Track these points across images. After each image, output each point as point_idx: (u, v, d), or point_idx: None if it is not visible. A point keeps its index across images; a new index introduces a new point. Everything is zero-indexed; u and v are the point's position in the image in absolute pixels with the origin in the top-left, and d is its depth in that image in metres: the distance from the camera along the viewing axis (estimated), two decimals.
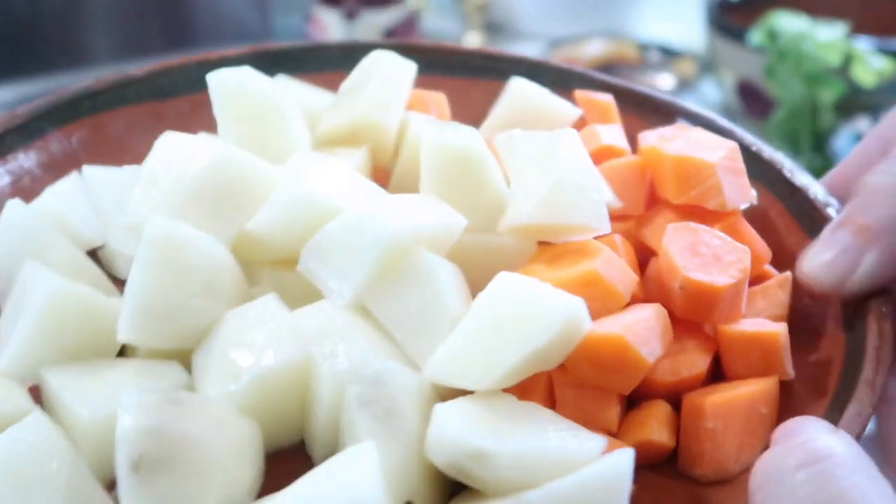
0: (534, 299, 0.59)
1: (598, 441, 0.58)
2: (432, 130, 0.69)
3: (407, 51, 0.88)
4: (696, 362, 0.65)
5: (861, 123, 1.54)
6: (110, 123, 0.85)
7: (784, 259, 0.74)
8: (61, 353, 0.62)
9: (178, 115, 0.87)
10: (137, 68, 0.87)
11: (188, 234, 0.62)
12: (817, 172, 1.47)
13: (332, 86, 0.87)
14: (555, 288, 0.60)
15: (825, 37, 1.51)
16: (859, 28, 1.64)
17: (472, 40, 1.97)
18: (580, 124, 0.85)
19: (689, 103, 0.88)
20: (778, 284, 0.70)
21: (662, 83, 1.74)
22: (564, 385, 0.63)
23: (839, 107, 1.55)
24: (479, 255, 0.69)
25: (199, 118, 0.85)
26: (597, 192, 0.67)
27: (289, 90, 0.84)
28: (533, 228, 0.67)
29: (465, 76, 0.93)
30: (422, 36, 1.97)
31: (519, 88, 0.85)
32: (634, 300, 0.67)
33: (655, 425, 0.64)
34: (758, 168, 0.80)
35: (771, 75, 1.55)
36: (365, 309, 0.64)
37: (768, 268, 0.73)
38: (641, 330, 0.62)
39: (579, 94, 0.86)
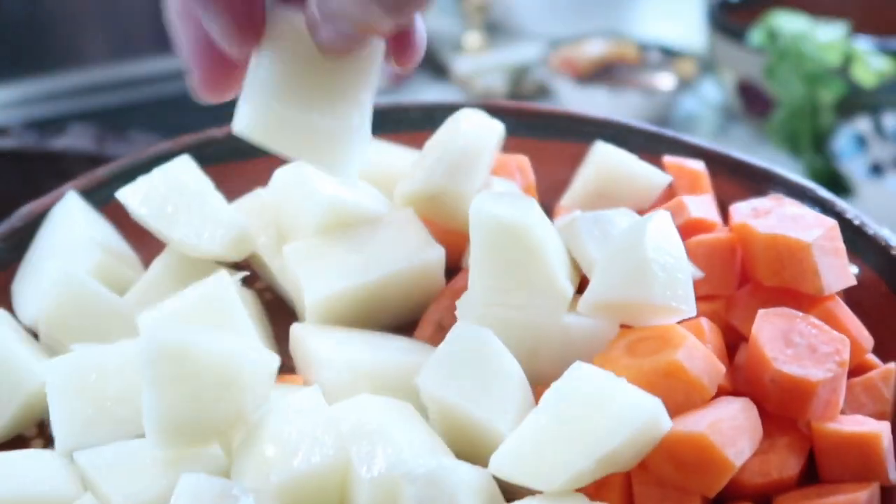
0: (609, 397, 0.55)
1: None
2: (484, 201, 0.65)
3: (491, 111, 0.85)
4: (787, 463, 0.60)
5: (861, 123, 1.50)
6: None
7: (888, 346, 0.68)
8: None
9: (256, 174, 0.85)
10: (217, 129, 0.86)
11: (188, 339, 0.59)
12: (817, 173, 1.48)
13: (414, 143, 0.85)
14: (632, 386, 0.56)
15: (825, 37, 1.49)
16: (859, 28, 1.62)
17: (472, 40, 1.96)
18: (669, 193, 0.81)
19: (784, 171, 0.83)
20: (881, 377, 0.65)
21: (662, 83, 1.70)
22: (644, 483, 0.59)
23: (839, 107, 1.52)
24: (556, 337, 0.65)
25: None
26: (685, 273, 0.63)
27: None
28: (615, 307, 0.63)
29: (549, 138, 0.90)
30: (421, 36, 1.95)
31: (604, 154, 0.81)
32: (722, 391, 0.62)
33: None
34: (859, 243, 0.75)
35: (771, 75, 1.53)
36: (405, 404, 0.62)
37: (870, 357, 0.68)
38: (727, 429, 0.57)
39: (668, 160, 0.82)
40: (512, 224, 0.65)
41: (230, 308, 0.67)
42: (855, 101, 1.52)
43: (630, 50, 1.77)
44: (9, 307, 0.74)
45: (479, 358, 0.61)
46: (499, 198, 0.67)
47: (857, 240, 0.74)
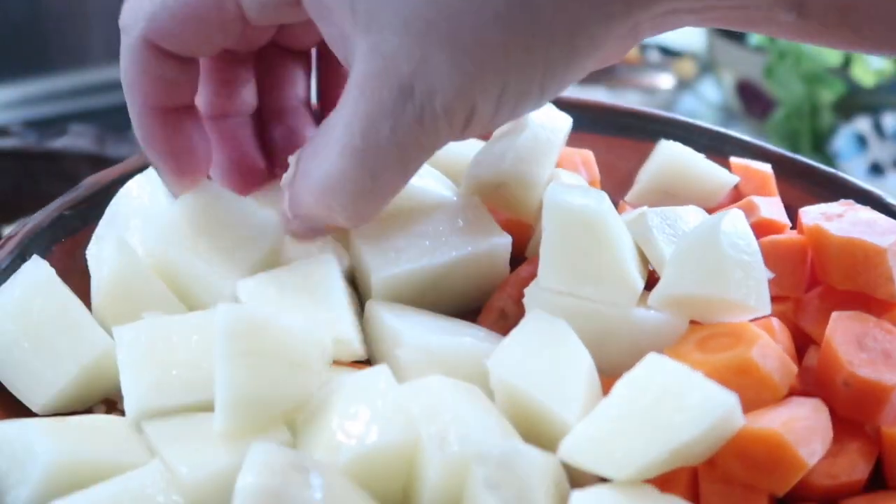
0: (685, 389, 0.55)
1: None
2: (557, 190, 0.65)
3: (556, 104, 0.85)
4: (856, 466, 0.60)
5: (861, 123, 1.51)
6: None
7: None
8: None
9: None
10: None
11: (264, 316, 0.59)
12: None
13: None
14: (708, 378, 0.55)
15: None
16: None
17: None
18: (734, 195, 0.81)
19: (853, 178, 0.83)
20: None
21: (662, 83, 1.70)
22: (711, 480, 0.59)
23: (839, 107, 1.53)
24: (625, 329, 0.65)
25: None
26: (759, 270, 0.63)
27: None
28: (687, 301, 0.63)
29: (613, 134, 0.90)
30: None
31: (671, 152, 0.81)
32: (791, 392, 0.62)
33: None
34: None
35: (770, 75, 1.54)
36: (474, 387, 0.61)
37: None
38: (801, 428, 0.57)
39: (735, 161, 0.82)
40: (585, 214, 0.65)
41: (330, 289, 0.67)
42: (855, 101, 1.53)
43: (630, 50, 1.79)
44: (83, 273, 0.74)
45: (551, 346, 0.61)
46: (571, 188, 0.67)
47: None
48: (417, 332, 0.65)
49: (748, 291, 0.61)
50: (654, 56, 1.76)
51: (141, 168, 0.79)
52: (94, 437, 0.59)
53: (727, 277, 0.61)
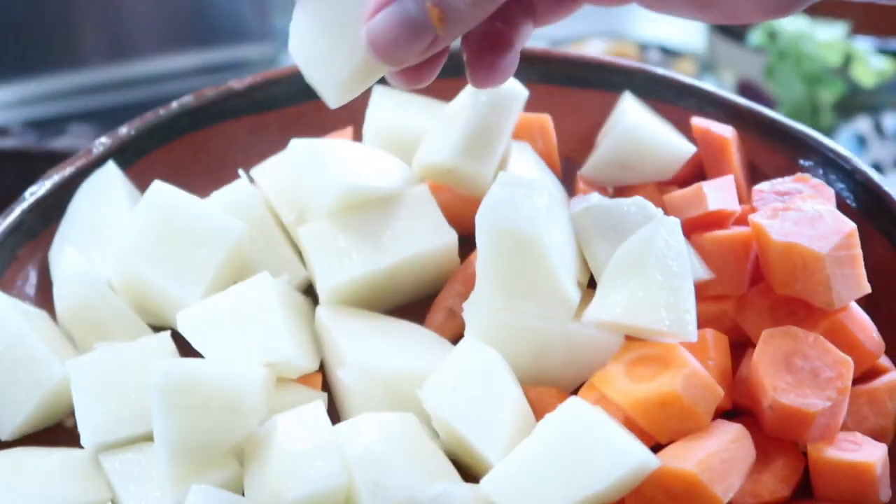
0: (600, 439, 0.57)
1: None
2: (491, 207, 0.66)
3: (521, 56, 0.83)
4: (778, 486, 0.62)
5: (861, 123, 1.49)
6: (211, 140, 0.84)
7: None
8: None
9: (279, 128, 0.85)
10: (237, 80, 0.85)
11: (197, 370, 0.61)
12: None
13: (439, 92, 0.83)
14: (622, 431, 0.57)
15: (825, 37, 1.48)
16: (859, 28, 1.61)
17: None
18: (695, 158, 0.79)
19: (819, 136, 0.80)
20: (888, 391, 0.65)
21: None
22: None
23: (839, 107, 1.53)
24: (562, 344, 0.66)
25: (300, 130, 0.83)
26: (690, 295, 0.63)
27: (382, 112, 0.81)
28: (617, 327, 0.64)
29: (577, 87, 0.87)
30: None
31: (631, 122, 0.78)
32: (721, 407, 0.63)
33: None
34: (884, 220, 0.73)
35: (771, 75, 1.53)
36: (410, 418, 0.64)
37: (883, 362, 0.67)
38: (718, 464, 0.58)
39: (696, 123, 0.80)
40: (518, 232, 0.65)
41: (266, 310, 0.68)
42: (855, 101, 1.52)
43: (630, 50, 1.74)
44: (46, 275, 0.76)
45: (481, 378, 0.63)
46: (508, 197, 0.67)
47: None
48: (359, 350, 0.67)
49: (675, 320, 0.62)
50: (655, 56, 1.73)
51: (97, 161, 0.80)
52: (53, 481, 0.63)
53: (653, 307, 0.62)
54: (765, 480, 0.62)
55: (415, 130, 0.81)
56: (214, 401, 0.61)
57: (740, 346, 0.68)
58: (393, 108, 0.83)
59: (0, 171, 1.12)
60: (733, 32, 1.62)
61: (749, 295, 0.69)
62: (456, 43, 0.64)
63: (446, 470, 0.62)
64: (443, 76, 0.85)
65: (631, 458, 0.56)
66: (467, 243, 0.75)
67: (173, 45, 1.91)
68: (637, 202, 0.71)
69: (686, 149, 0.78)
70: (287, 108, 0.86)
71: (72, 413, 0.70)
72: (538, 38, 1.85)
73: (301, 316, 0.72)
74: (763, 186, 0.73)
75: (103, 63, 1.84)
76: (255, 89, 0.86)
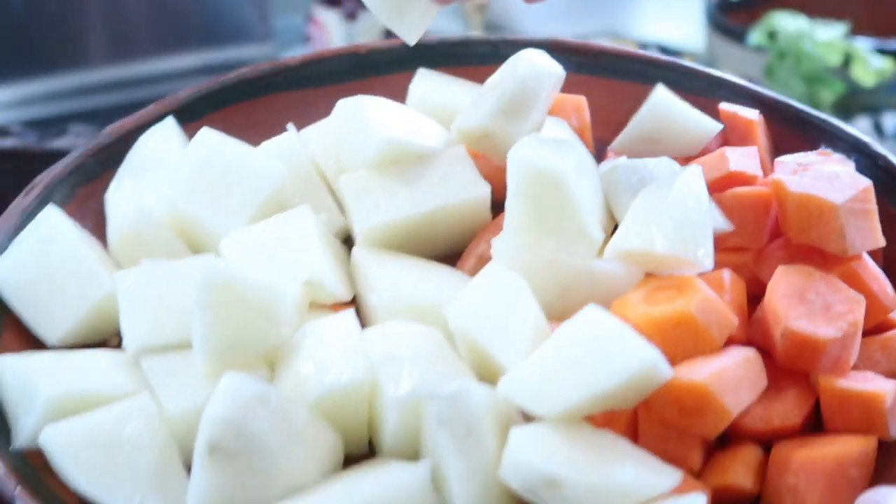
0: (612, 341, 0.59)
1: (673, 475, 0.58)
2: (523, 146, 0.69)
3: (555, 49, 0.87)
4: (789, 413, 0.64)
5: (861, 123, 1.51)
6: (263, 109, 0.89)
7: None
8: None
9: (327, 104, 0.90)
10: (292, 57, 0.91)
11: (238, 271, 0.65)
12: None
13: (478, 78, 0.88)
14: (634, 333, 0.59)
15: (825, 37, 1.50)
16: (859, 28, 1.62)
17: None
18: (721, 140, 0.83)
19: (843, 124, 0.84)
20: None
21: None
22: (648, 421, 0.63)
23: (839, 107, 1.53)
24: (583, 279, 0.69)
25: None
26: (706, 228, 0.66)
27: (425, 87, 0.86)
28: (636, 256, 0.67)
29: (612, 78, 0.92)
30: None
31: (660, 101, 0.83)
32: (735, 341, 0.66)
33: (741, 469, 0.62)
34: None
35: (771, 75, 1.54)
36: (434, 330, 0.66)
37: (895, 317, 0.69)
38: (729, 378, 0.60)
39: (723, 107, 0.84)
40: (547, 171, 0.68)
41: (306, 239, 0.72)
42: (855, 101, 1.53)
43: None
44: (101, 216, 0.81)
45: (503, 297, 0.66)
46: (539, 143, 0.71)
47: None
48: (390, 278, 0.71)
49: (693, 248, 0.65)
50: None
51: (158, 118, 0.85)
52: (93, 371, 0.67)
53: (673, 235, 0.65)
54: (776, 408, 0.64)
55: (454, 105, 0.85)
56: (252, 303, 0.65)
57: (757, 300, 0.70)
58: (434, 86, 0.88)
59: (0, 172, 1.16)
60: (733, 32, 1.65)
61: (767, 248, 0.71)
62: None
63: (466, 374, 0.64)
64: (481, 63, 0.92)
65: (645, 358, 0.58)
66: (499, 210, 0.79)
67: (173, 45, 1.91)
68: (663, 161, 0.75)
69: (713, 126, 0.82)
70: (336, 86, 0.91)
71: (115, 333, 0.74)
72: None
73: (337, 253, 0.76)
74: (785, 158, 0.76)
75: (103, 63, 1.86)
76: (307, 65, 0.91)
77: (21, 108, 1.81)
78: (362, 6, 1.82)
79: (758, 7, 1.73)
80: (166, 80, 1.88)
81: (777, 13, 1.57)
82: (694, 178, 0.68)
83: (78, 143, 1.21)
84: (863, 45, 1.51)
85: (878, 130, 1.49)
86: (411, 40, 0.74)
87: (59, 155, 1.14)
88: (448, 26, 2.06)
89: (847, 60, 1.50)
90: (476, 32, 1.99)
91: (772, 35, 1.55)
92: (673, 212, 0.65)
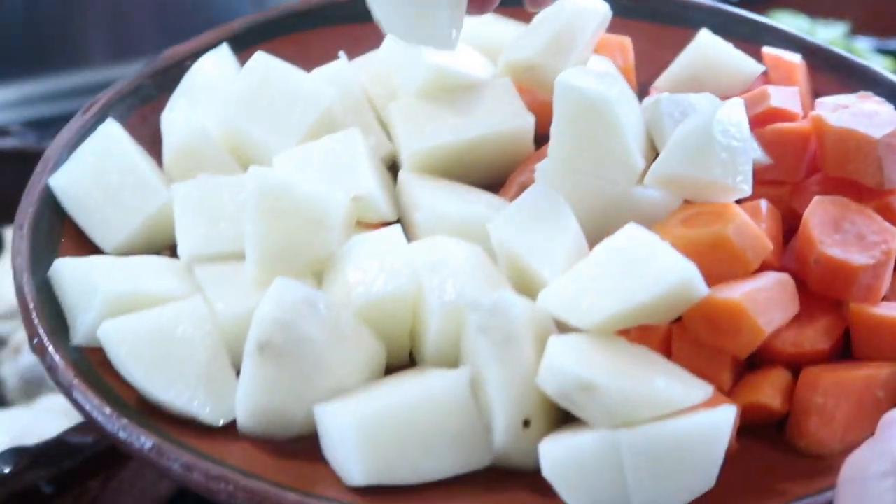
0: (650, 256, 0.61)
1: (704, 388, 0.60)
2: (569, 74, 0.71)
3: None
4: (819, 338, 0.65)
5: None
6: (313, 41, 0.91)
7: None
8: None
9: (377, 39, 0.92)
10: None
11: (290, 180, 0.68)
12: None
13: (524, 18, 0.90)
14: (673, 250, 0.61)
15: (825, 37, 1.50)
16: (859, 28, 1.62)
17: None
18: (764, 83, 0.84)
19: (885, 70, 0.85)
20: None
21: None
22: (682, 339, 0.65)
23: None
24: (623, 205, 0.71)
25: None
26: (745, 156, 0.67)
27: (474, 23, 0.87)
28: (677, 181, 0.69)
29: (656, 22, 0.93)
30: None
31: (704, 42, 0.84)
32: (769, 267, 0.67)
33: (769, 389, 0.64)
34: None
35: None
36: (478, 247, 0.69)
37: None
38: (762, 298, 0.62)
39: (767, 51, 0.85)
40: (592, 98, 0.70)
41: (355, 158, 0.74)
42: None
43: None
44: (156, 136, 0.83)
45: (545, 215, 0.68)
46: (585, 73, 0.72)
47: None
48: (435, 198, 0.73)
49: (732, 174, 0.66)
50: None
51: (213, 45, 0.88)
52: (148, 273, 0.70)
53: (713, 160, 0.66)
54: (806, 333, 0.66)
55: (500, 41, 0.87)
56: (303, 212, 0.67)
57: (792, 233, 0.72)
58: (481, 22, 0.89)
59: (0, 172, 1.17)
60: None
61: (806, 182, 0.73)
62: None
63: (506, 287, 0.67)
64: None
65: (682, 274, 0.60)
66: (541, 142, 0.81)
67: (173, 44, 1.94)
68: (706, 96, 0.76)
69: (756, 67, 0.83)
70: None
71: (167, 245, 0.77)
72: None
73: (384, 175, 0.78)
74: (825, 99, 0.77)
75: (104, 63, 1.85)
76: (356, 1, 0.93)
77: (21, 108, 1.79)
78: None
79: (758, 7, 1.71)
80: None
81: (777, 13, 1.58)
82: (735, 109, 0.69)
83: None
84: (863, 45, 1.53)
85: None
86: (446, 47, 0.73)
87: None
88: None
89: None
90: None
91: None
92: (713, 139, 0.67)
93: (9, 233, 1.22)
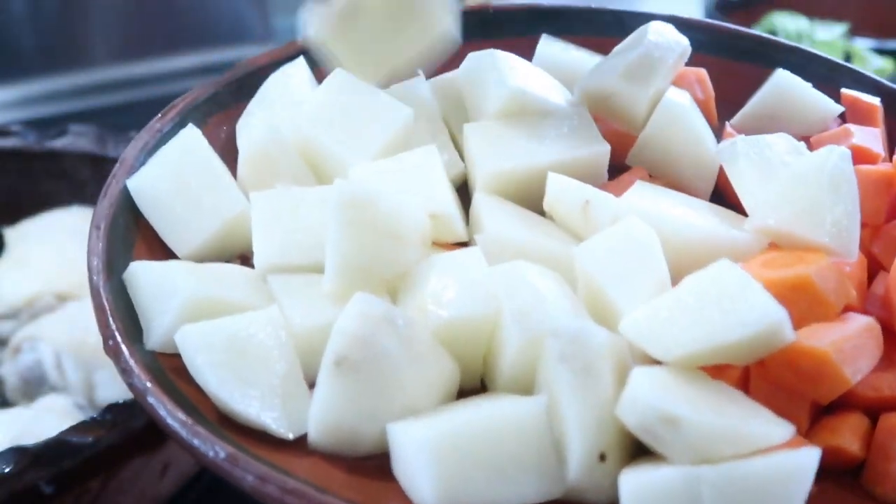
0: (740, 295, 0.60)
1: (786, 428, 0.59)
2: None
3: (682, 25, 0.89)
4: None
5: None
6: None
7: None
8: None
9: (450, 59, 0.92)
10: None
11: (373, 193, 0.67)
12: None
13: (601, 49, 0.90)
14: (765, 291, 0.60)
15: (825, 37, 1.50)
16: (859, 28, 1.62)
17: None
18: (839, 124, 0.84)
19: None
20: None
21: None
22: (761, 378, 0.64)
23: None
24: (711, 244, 0.70)
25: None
26: (854, 218, 0.67)
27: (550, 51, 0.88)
28: (778, 234, 0.68)
29: (733, 58, 0.93)
30: None
31: (782, 80, 0.84)
32: (853, 310, 0.66)
33: (848, 434, 0.64)
34: None
35: None
36: (556, 274, 0.68)
37: None
38: (849, 347, 0.62)
39: (845, 92, 0.85)
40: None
41: (433, 176, 0.75)
42: None
43: None
44: (231, 143, 0.84)
45: (633, 247, 0.67)
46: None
47: None
48: (499, 222, 0.73)
49: (839, 237, 0.66)
50: None
51: (290, 57, 0.88)
52: (225, 281, 0.70)
53: (823, 224, 0.66)
54: (886, 377, 0.65)
55: (577, 69, 0.87)
56: (384, 226, 0.67)
57: (870, 276, 0.71)
58: (559, 50, 0.90)
59: (0, 172, 1.16)
60: None
61: (886, 227, 0.72)
62: None
63: (586, 316, 0.66)
64: (604, 34, 0.93)
65: (772, 317, 0.59)
66: (616, 172, 0.80)
67: (173, 45, 1.92)
68: (782, 136, 0.76)
69: (834, 107, 0.83)
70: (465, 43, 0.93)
71: (240, 254, 0.77)
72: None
73: (456, 196, 0.78)
74: None
75: (104, 63, 1.86)
76: None
77: (21, 108, 1.82)
78: None
79: (758, 7, 1.73)
80: (166, 80, 1.90)
81: (777, 13, 1.58)
82: (845, 160, 0.68)
83: (78, 143, 1.23)
84: (863, 45, 1.51)
85: None
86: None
87: (59, 155, 1.15)
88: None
89: (847, 60, 1.50)
90: None
91: (772, 35, 1.55)
92: (824, 195, 0.66)
93: (9, 232, 1.22)
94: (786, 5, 1.69)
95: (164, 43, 1.94)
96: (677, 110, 0.80)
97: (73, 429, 0.83)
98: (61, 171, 1.22)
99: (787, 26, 1.55)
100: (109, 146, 1.24)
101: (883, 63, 1.50)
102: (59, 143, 1.24)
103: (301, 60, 0.87)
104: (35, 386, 1.07)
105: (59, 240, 1.18)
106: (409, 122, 0.79)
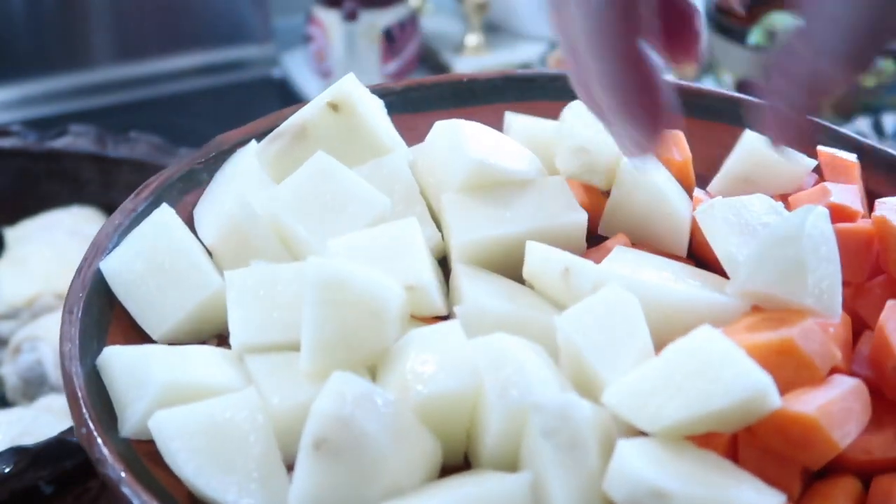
0: (723, 362, 0.59)
1: (777, 498, 0.58)
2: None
3: None
4: (891, 446, 0.63)
5: (861, 123, 1.50)
6: None
7: None
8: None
9: (426, 129, 0.92)
10: (396, 81, 0.93)
11: (348, 271, 0.66)
12: None
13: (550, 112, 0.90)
14: (748, 358, 0.59)
15: None
16: None
17: (471, 40, 2.00)
18: (815, 181, 0.84)
19: None
20: None
21: None
22: (749, 445, 0.63)
23: (838, 106, 1.53)
24: (699, 309, 0.69)
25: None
26: (836, 279, 0.67)
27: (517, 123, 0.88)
28: (759, 297, 0.68)
29: (706, 118, 0.93)
30: (420, 35, 1.98)
31: (751, 141, 0.84)
32: (839, 372, 0.66)
33: (842, 499, 0.62)
34: None
35: None
36: (538, 346, 0.67)
37: None
38: (838, 411, 0.61)
39: (822, 150, 0.85)
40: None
41: (412, 248, 0.73)
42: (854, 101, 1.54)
43: None
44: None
45: (616, 316, 0.66)
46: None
47: None
48: (479, 292, 0.72)
49: (822, 299, 0.65)
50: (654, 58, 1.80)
51: (264, 133, 0.87)
52: (201, 364, 0.68)
53: (803, 283, 0.65)
54: (877, 440, 0.64)
55: (545, 137, 0.87)
56: (362, 304, 0.66)
57: (854, 335, 0.70)
58: (525, 119, 0.90)
59: (0, 172, 1.17)
60: (733, 32, 1.65)
61: (869, 284, 0.72)
62: None
63: (569, 388, 0.65)
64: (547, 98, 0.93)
65: (758, 384, 0.58)
66: (592, 241, 0.80)
67: (173, 45, 1.91)
68: (759, 197, 0.75)
69: (808, 162, 0.83)
70: (436, 111, 0.93)
71: (215, 334, 0.76)
72: (536, 39, 1.92)
73: (436, 268, 0.77)
74: (886, 200, 0.76)
75: (104, 63, 1.86)
76: (409, 90, 0.94)
77: (21, 108, 1.82)
78: (363, 5, 1.85)
79: (757, 7, 1.71)
80: (166, 80, 1.89)
81: (777, 13, 1.58)
82: (822, 220, 0.67)
83: (78, 143, 1.23)
84: None
85: (878, 130, 1.48)
86: None
87: (59, 155, 1.14)
88: (448, 27, 2.08)
89: None
90: (475, 34, 2.01)
91: (771, 35, 1.55)
92: (805, 257, 0.66)
93: (9, 232, 1.22)
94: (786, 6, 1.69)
95: (164, 43, 1.93)
96: (637, 172, 0.80)
97: (73, 429, 0.80)
98: (61, 171, 1.22)
99: (787, 26, 1.54)
100: (109, 146, 1.24)
101: (883, 63, 1.49)
102: (59, 143, 1.23)
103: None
104: (35, 386, 1.08)
105: (59, 240, 1.18)
106: (387, 211, 0.78)
